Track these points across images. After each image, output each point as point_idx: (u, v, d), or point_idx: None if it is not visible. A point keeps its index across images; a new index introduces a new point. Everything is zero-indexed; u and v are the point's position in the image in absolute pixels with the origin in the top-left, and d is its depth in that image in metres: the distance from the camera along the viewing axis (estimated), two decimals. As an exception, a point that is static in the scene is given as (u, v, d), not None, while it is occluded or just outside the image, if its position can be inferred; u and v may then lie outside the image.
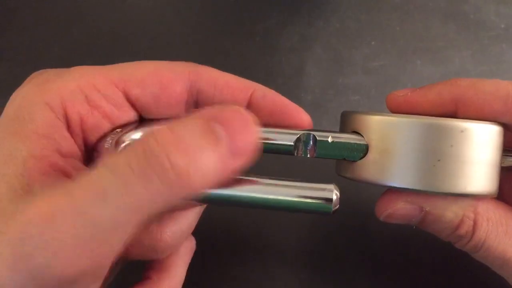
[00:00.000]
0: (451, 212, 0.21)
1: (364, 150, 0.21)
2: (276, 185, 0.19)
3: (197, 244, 0.26)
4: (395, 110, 0.23)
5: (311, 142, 0.21)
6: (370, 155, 0.21)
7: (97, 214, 0.15)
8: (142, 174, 0.15)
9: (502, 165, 0.22)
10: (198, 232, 0.25)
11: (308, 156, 0.21)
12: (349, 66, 0.35)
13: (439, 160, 0.20)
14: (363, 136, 0.21)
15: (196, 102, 0.23)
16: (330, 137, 0.21)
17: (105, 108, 0.21)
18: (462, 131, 0.20)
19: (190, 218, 0.23)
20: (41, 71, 0.22)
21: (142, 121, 0.23)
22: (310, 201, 0.19)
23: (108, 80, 0.21)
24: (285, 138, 0.22)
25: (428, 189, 0.20)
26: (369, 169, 0.21)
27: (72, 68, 0.21)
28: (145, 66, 0.23)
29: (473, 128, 0.20)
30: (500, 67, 0.35)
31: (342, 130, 0.23)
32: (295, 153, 0.21)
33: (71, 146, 0.20)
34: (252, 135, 0.17)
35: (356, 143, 0.21)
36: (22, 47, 0.37)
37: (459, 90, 0.21)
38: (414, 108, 0.22)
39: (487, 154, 0.20)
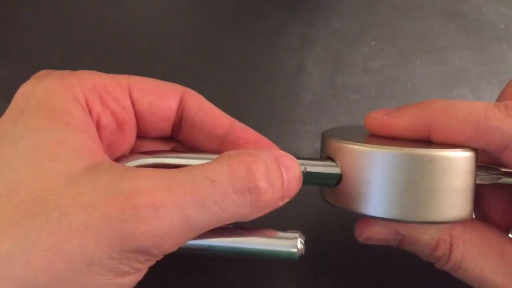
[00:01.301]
0: (427, 235, 0.22)
1: (337, 178, 0.21)
2: (244, 235, 0.21)
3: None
4: (373, 132, 0.23)
5: None
6: (344, 183, 0.21)
7: (193, 217, 0.17)
8: (240, 194, 0.18)
9: (480, 182, 0.22)
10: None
11: None
12: (349, 66, 0.35)
13: (409, 190, 0.20)
14: (337, 163, 0.22)
15: (179, 120, 0.25)
16: (304, 167, 0.22)
17: (115, 109, 0.22)
18: (430, 161, 0.20)
19: None
20: (46, 71, 0.22)
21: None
22: (277, 249, 0.21)
23: (117, 82, 0.22)
24: None
25: (399, 218, 0.20)
26: (343, 196, 0.21)
27: (79, 71, 0.22)
28: (146, 78, 0.24)
29: (442, 157, 0.20)
30: (500, 67, 0.35)
31: (321, 153, 0.24)
32: None
33: (99, 141, 0.21)
34: (299, 182, 0.20)
35: (329, 173, 0.22)
36: (22, 47, 0.37)
37: (431, 115, 0.21)
38: (389, 131, 0.22)
39: (459, 181, 0.20)
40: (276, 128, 0.34)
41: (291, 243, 0.21)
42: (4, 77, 0.36)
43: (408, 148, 0.20)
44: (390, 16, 0.36)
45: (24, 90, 0.20)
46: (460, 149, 0.20)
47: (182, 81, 0.35)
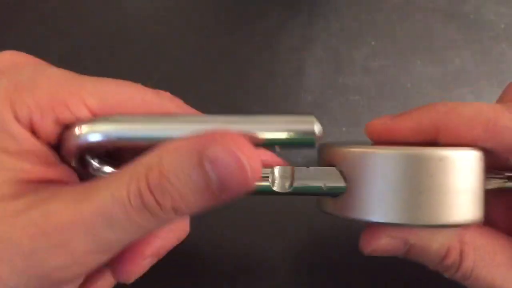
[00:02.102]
0: (436, 243, 0.21)
1: (343, 187, 0.20)
2: (256, 121, 0.19)
3: (186, 262, 0.26)
4: (376, 139, 0.22)
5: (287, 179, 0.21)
6: (349, 191, 0.20)
7: (104, 235, 0.17)
8: (140, 210, 0.17)
9: (487, 187, 0.21)
10: (187, 248, 0.25)
11: (281, 192, 0.21)
12: (349, 66, 0.35)
13: (419, 192, 0.19)
14: (340, 171, 0.21)
15: None
16: (324, 183, 0.21)
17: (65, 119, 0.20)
18: (440, 160, 0.19)
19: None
20: (6, 77, 0.20)
21: None
22: (293, 134, 0.18)
23: (81, 101, 0.20)
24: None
25: (410, 222, 0.19)
26: (349, 205, 0.20)
27: (41, 76, 0.20)
28: (108, 83, 0.21)
29: (452, 156, 0.19)
30: (500, 67, 0.35)
31: (320, 164, 0.22)
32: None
33: (51, 156, 0.20)
34: (244, 180, 0.17)
35: (334, 183, 0.20)
36: (22, 47, 0.37)
37: (439, 116, 0.20)
38: (394, 136, 0.21)
39: (469, 181, 0.20)
40: (276, 128, 0.34)
41: (307, 126, 0.19)
42: (4, 77, 0.36)
43: (418, 148, 0.19)
44: (390, 16, 0.36)
45: None
46: (469, 148, 0.20)
47: (182, 81, 0.35)
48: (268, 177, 0.21)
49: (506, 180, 0.22)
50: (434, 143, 0.21)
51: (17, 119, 0.18)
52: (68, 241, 0.16)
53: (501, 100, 0.23)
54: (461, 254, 0.21)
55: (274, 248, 0.31)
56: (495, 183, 0.22)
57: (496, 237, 0.22)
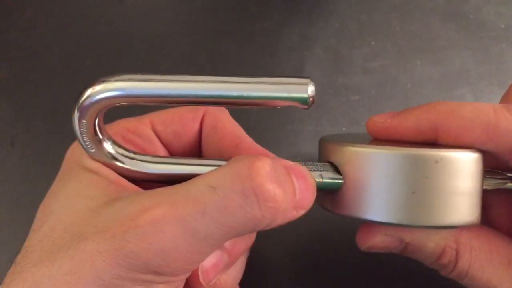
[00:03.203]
0: (432, 242, 0.21)
1: (340, 183, 0.21)
2: (250, 82, 0.19)
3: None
4: (376, 136, 0.22)
5: None
6: (346, 188, 0.20)
7: (196, 228, 0.17)
8: (244, 196, 0.17)
9: (487, 188, 0.21)
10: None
11: None
12: (349, 66, 0.35)
13: (414, 193, 0.19)
14: (337, 168, 0.21)
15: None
16: (320, 174, 0.21)
17: (140, 143, 0.24)
18: (436, 162, 0.19)
19: (242, 264, 0.25)
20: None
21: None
22: (287, 94, 0.19)
23: (139, 122, 0.24)
24: None
25: (405, 222, 0.19)
26: (345, 202, 0.21)
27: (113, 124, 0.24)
28: (169, 110, 0.25)
29: (449, 157, 0.19)
30: (500, 67, 0.35)
31: (320, 158, 0.23)
32: None
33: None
34: (313, 195, 0.20)
35: (333, 178, 0.21)
36: (22, 47, 0.37)
37: (438, 116, 0.20)
38: (393, 135, 0.21)
39: (465, 183, 0.19)
40: (276, 128, 0.34)
41: (302, 88, 0.19)
42: (4, 77, 0.36)
43: (414, 149, 0.19)
44: (390, 16, 0.36)
45: (66, 155, 0.23)
46: (467, 150, 0.19)
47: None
48: None
49: (507, 181, 0.22)
50: (433, 143, 0.21)
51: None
52: (159, 233, 0.17)
53: (504, 99, 0.23)
54: (457, 253, 0.21)
55: (274, 248, 0.31)
56: (496, 184, 0.22)
57: (493, 237, 0.22)
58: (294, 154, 0.33)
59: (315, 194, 0.20)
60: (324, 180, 0.21)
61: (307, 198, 0.19)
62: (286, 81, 0.19)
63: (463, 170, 0.19)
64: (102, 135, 0.21)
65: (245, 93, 0.19)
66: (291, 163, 0.20)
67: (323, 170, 0.21)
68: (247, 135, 0.24)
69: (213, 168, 0.20)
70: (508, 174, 0.22)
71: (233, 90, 0.19)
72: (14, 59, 0.37)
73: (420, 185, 0.19)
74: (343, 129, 0.34)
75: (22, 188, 0.34)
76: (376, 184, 0.19)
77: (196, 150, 0.25)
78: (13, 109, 0.35)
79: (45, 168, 0.34)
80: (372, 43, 0.35)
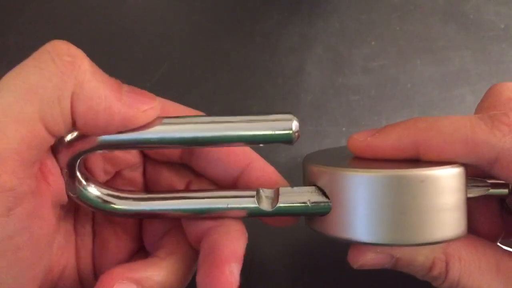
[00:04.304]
0: (422, 255, 0.21)
1: (328, 207, 0.21)
2: (234, 121, 0.20)
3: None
4: (358, 155, 0.22)
5: (273, 199, 0.21)
6: (334, 211, 0.20)
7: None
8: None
9: (470, 195, 0.21)
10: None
11: (268, 210, 0.21)
12: (349, 66, 0.35)
13: (402, 213, 0.19)
14: (325, 190, 0.21)
15: (189, 150, 0.24)
16: (308, 200, 0.21)
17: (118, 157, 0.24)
18: (422, 181, 0.19)
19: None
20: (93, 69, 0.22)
21: None
22: (271, 132, 0.19)
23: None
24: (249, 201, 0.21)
25: (393, 242, 0.20)
26: (334, 224, 0.21)
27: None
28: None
29: (433, 176, 0.19)
30: (500, 67, 0.35)
31: (304, 178, 0.23)
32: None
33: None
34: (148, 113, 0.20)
35: (319, 202, 0.21)
36: (22, 47, 0.37)
37: (418, 133, 0.20)
38: (375, 153, 0.21)
39: (451, 198, 0.20)
40: (276, 128, 0.34)
41: (286, 124, 0.19)
42: (4, 77, 0.36)
43: (399, 170, 0.19)
44: (390, 16, 0.36)
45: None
46: (450, 166, 0.20)
47: (182, 81, 0.35)
48: (254, 198, 0.21)
49: (489, 188, 0.22)
50: (416, 159, 0.21)
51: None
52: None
53: (481, 104, 0.23)
54: (447, 265, 0.21)
55: (273, 248, 0.31)
56: (478, 191, 0.22)
57: (480, 245, 0.22)
58: (294, 154, 0.33)
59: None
60: (312, 205, 0.21)
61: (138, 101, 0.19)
62: (269, 118, 0.19)
63: (448, 186, 0.19)
64: (86, 180, 0.21)
65: (227, 134, 0.19)
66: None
67: (311, 195, 0.21)
68: (258, 154, 0.24)
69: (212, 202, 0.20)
70: (489, 181, 0.22)
71: (216, 131, 0.19)
72: (14, 60, 0.37)
73: (407, 205, 0.19)
74: (343, 129, 0.34)
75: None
76: (364, 206, 0.19)
77: (173, 156, 0.24)
78: (13, 109, 0.35)
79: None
80: (372, 43, 0.35)
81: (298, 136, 0.20)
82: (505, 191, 0.23)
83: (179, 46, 0.36)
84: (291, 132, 0.19)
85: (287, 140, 0.19)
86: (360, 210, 0.20)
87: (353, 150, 0.22)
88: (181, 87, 0.35)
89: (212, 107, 0.34)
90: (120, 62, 0.36)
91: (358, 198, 0.20)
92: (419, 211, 0.19)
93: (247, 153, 0.23)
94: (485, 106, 0.23)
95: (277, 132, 0.19)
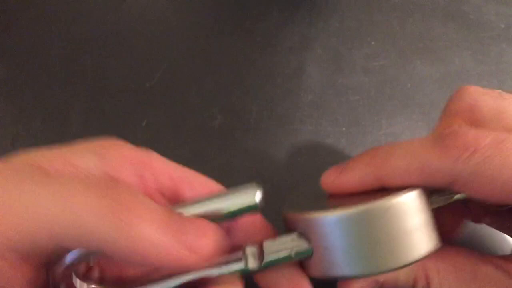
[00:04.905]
0: (403, 275, 0.23)
1: (308, 251, 0.22)
2: (203, 203, 0.21)
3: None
4: (331, 192, 0.23)
5: (259, 255, 0.22)
6: (315, 253, 0.21)
7: None
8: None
9: (435, 206, 0.22)
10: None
11: (256, 268, 0.22)
12: (349, 66, 0.35)
13: (376, 243, 0.20)
14: (303, 235, 0.22)
15: None
16: (291, 250, 0.22)
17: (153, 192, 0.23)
18: (387, 210, 0.20)
19: None
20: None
21: None
22: (240, 207, 0.20)
23: (168, 174, 0.22)
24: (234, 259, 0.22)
25: (375, 271, 0.20)
26: (317, 265, 0.22)
27: (148, 151, 0.22)
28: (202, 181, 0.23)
29: (398, 202, 0.20)
30: (500, 67, 0.35)
31: (286, 226, 0.24)
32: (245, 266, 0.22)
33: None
34: (209, 244, 0.19)
35: (300, 249, 0.22)
36: (22, 47, 0.37)
37: (377, 169, 0.21)
38: (345, 190, 0.22)
39: (418, 217, 0.20)
40: (276, 128, 0.34)
41: (251, 195, 0.20)
42: (4, 77, 0.36)
43: (364, 203, 0.20)
44: (390, 16, 0.36)
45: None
46: (409, 190, 0.21)
47: (182, 81, 0.35)
48: (241, 259, 0.22)
49: (453, 194, 0.23)
50: (383, 187, 0.22)
51: (101, 157, 0.20)
52: None
53: (445, 110, 0.24)
54: (427, 278, 0.22)
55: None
56: (444, 200, 0.23)
57: (455, 254, 0.23)
58: (294, 154, 0.33)
59: (215, 240, 0.19)
60: (296, 254, 0.21)
61: (201, 242, 0.19)
62: (233, 191, 0.21)
63: (413, 207, 0.20)
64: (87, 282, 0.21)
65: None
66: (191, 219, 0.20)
67: (293, 243, 0.22)
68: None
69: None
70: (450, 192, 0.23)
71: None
72: (14, 59, 0.37)
73: (379, 234, 0.20)
74: (343, 129, 0.34)
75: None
76: (340, 243, 0.20)
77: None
78: (13, 109, 0.35)
79: (45, 168, 0.34)
80: (372, 43, 0.35)
81: (263, 204, 0.21)
82: (463, 195, 0.24)
83: (179, 46, 0.36)
84: (256, 202, 0.20)
85: (253, 208, 0.21)
86: (338, 247, 0.21)
87: (326, 188, 0.23)
88: (181, 87, 0.35)
89: (212, 107, 0.34)
90: (120, 62, 0.36)
91: (334, 237, 0.21)
92: (391, 238, 0.20)
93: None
94: (446, 114, 0.24)
95: (245, 206, 0.21)
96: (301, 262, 0.23)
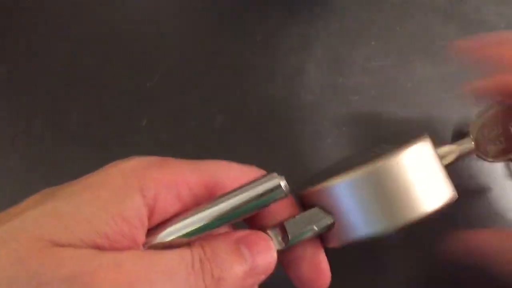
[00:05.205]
0: None
1: (330, 222, 0.22)
2: (227, 198, 0.21)
3: None
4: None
5: (282, 236, 0.22)
6: (336, 222, 0.22)
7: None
8: (193, 274, 0.19)
9: (445, 163, 0.24)
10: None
11: (282, 249, 0.22)
12: (349, 66, 0.35)
13: (394, 197, 0.21)
14: (322, 208, 0.22)
15: None
16: (312, 226, 0.22)
17: (190, 205, 0.22)
18: (397, 164, 0.21)
19: None
20: (136, 158, 0.22)
21: None
22: (264, 198, 0.20)
23: (201, 180, 0.22)
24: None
25: (398, 225, 0.21)
26: (340, 234, 0.22)
27: (166, 160, 0.22)
28: (233, 168, 0.24)
29: (408, 152, 0.21)
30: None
31: (301, 208, 0.24)
32: None
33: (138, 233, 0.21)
34: (271, 257, 0.21)
35: (323, 222, 0.22)
36: (22, 47, 0.37)
37: None
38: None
39: (430, 168, 0.22)
40: (276, 128, 0.34)
41: (272, 184, 0.20)
42: (4, 77, 0.36)
43: (369, 164, 0.21)
44: (390, 16, 0.36)
45: (110, 169, 0.21)
46: (419, 140, 0.22)
47: (182, 81, 0.35)
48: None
49: (458, 148, 0.26)
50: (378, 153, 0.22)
51: (142, 190, 0.20)
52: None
53: None
54: None
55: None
56: (450, 157, 0.25)
57: None
58: (294, 154, 0.33)
59: (273, 255, 0.21)
60: (319, 227, 0.22)
61: (264, 260, 0.21)
62: (256, 182, 0.21)
63: (423, 158, 0.22)
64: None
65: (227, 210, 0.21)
66: (244, 233, 0.21)
67: (314, 219, 0.22)
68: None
69: None
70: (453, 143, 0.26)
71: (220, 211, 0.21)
72: (14, 59, 0.37)
73: (394, 188, 0.21)
74: (343, 129, 0.34)
75: (22, 188, 0.34)
76: (361, 204, 0.21)
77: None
78: (13, 109, 0.35)
79: (45, 168, 0.34)
80: (372, 43, 0.35)
81: (288, 190, 0.21)
82: (471, 145, 0.27)
83: (179, 46, 0.36)
84: (279, 183, 0.20)
85: (279, 192, 0.20)
86: (359, 208, 0.21)
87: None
88: (181, 87, 0.35)
89: (212, 107, 0.34)
90: (120, 62, 0.36)
91: (353, 201, 0.21)
92: (407, 189, 0.21)
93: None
94: None
95: (271, 196, 0.20)
96: (321, 237, 0.23)
